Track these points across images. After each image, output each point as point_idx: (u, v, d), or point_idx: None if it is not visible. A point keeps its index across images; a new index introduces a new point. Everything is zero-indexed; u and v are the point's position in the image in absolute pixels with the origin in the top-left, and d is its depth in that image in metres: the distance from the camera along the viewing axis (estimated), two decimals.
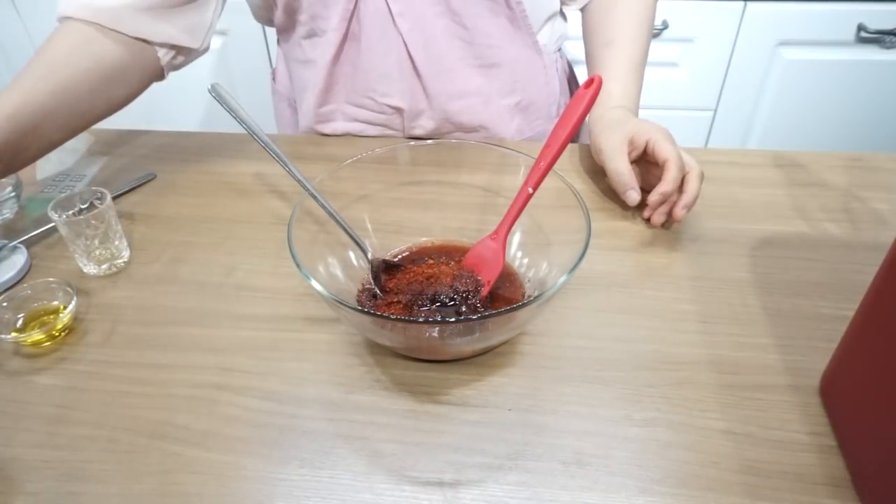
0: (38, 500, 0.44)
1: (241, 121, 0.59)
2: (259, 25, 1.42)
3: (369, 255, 0.56)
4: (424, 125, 0.82)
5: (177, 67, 0.76)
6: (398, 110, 0.81)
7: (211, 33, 0.76)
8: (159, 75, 0.74)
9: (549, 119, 0.88)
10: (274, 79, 0.94)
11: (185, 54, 0.75)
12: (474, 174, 0.63)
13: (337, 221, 0.55)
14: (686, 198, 0.63)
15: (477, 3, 0.74)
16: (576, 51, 0.91)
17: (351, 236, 0.56)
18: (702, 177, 0.65)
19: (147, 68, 0.71)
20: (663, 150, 0.64)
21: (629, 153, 0.67)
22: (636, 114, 0.77)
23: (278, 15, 0.79)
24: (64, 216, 0.61)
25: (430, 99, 0.79)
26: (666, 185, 0.62)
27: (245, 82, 1.53)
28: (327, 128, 0.84)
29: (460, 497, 0.43)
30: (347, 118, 0.83)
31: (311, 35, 0.78)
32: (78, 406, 0.50)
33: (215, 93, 0.60)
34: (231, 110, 0.59)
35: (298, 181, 0.56)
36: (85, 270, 0.63)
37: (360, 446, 0.47)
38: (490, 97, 0.81)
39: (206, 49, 0.77)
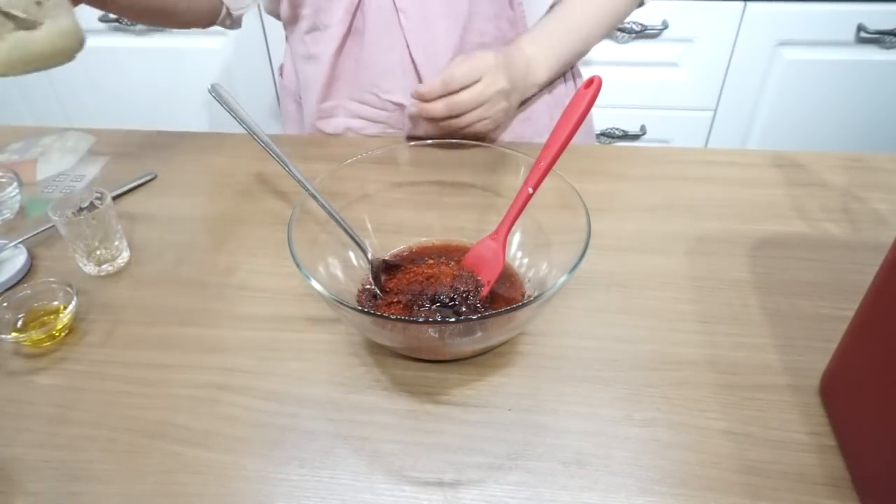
0: (39, 500, 0.44)
1: (241, 121, 0.59)
2: (259, 25, 1.42)
3: (369, 255, 0.56)
4: (425, 125, 0.82)
5: (222, 24, 0.85)
6: (400, 107, 0.81)
7: (247, 10, 0.85)
8: (210, 22, 0.83)
9: (552, 121, 0.87)
10: (281, 74, 0.94)
11: (229, 19, 0.85)
12: (474, 174, 0.63)
13: (337, 221, 0.55)
14: (422, 106, 0.69)
15: (482, 4, 0.74)
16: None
17: (351, 236, 0.56)
18: (451, 108, 0.68)
19: (214, 5, 0.82)
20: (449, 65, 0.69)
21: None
22: (541, 66, 0.76)
23: (283, 8, 0.79)
24: (64, 216, 0.61)
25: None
26: (420, 86, 0.69)
27: (245, 82, 1.53)
28: (329, 124, 0.84)
29: (460, 497, 0.43)
30: (349, 114, 0.83)
31: (313, 29, 0.79)
32: (78, 406, 0.50)
33: (215, 93, 0.60)
34: (231, 110, 0.59)
35: (298, 181, 0.56)
36: (85, 270, 0.63)
37: (360, 446, 0.47)
38: None
39: (239, 24, 0.87)
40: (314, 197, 0.55)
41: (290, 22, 0.82)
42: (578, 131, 0.90)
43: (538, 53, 0.75)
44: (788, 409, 0.48)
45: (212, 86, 0.61)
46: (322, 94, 0.82)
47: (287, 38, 0.87)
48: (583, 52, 0.80)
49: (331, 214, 0.55)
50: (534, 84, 0.77)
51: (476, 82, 0.68)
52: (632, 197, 0.71)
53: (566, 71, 0.83)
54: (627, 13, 0.82)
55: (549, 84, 0.81)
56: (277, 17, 0.86)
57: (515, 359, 0.53)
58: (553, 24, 0.77)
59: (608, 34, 0.82)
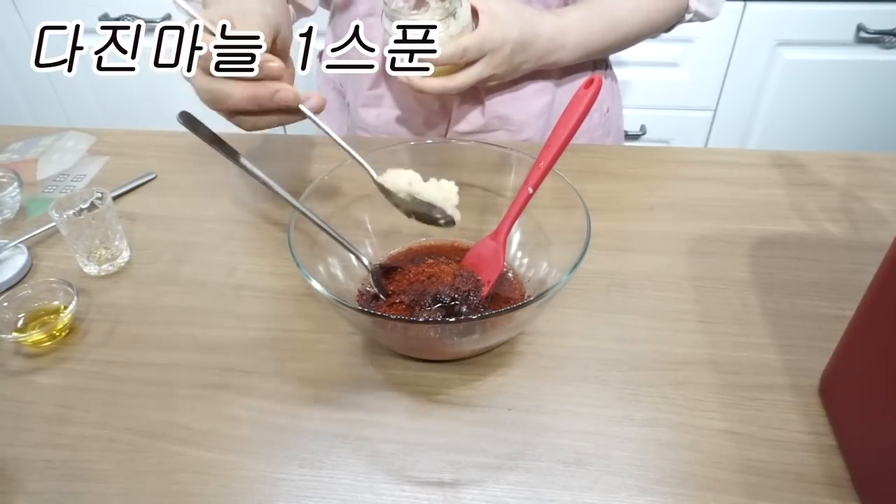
0: (39, 499, 0.44)
1: (215, 145, 0.57)
2: None
3: (367, 263, 0.56)
4: (472, 120, 0.80)
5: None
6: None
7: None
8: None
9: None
10: (320, 61, 0.93)
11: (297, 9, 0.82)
12: (474, 174, 0.63)
13: (331, 235, 0.53)
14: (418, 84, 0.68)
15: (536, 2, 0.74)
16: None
17: (346, 247, 0.54)
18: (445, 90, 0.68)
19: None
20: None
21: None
22: (567, 53, 0.75)
23: None
24: (64, 216, 0.61)
25: (484, 93, 0.78)
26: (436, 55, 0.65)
27: None
28: (373, 113, 0.83)
29: (460, 497, 0.43)
30: (394, 105, 0.82)
31: (370, 14, 0.77)
32: (79, 406, 0.50)
33: (183, 120, 0.58)
34: (204, 137, 0.57)
35: (287, 201, 0.53)
36: (85, 270, 0.63)
37: (360, 446, 0.47)
38: (543, 92, 0.80)
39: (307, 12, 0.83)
40: (305, 214, 0.52)
41: (342, 7, 0.80)
42: (608, 133, 0.90)
43: (568, 39, 0.74)
44: (788, 408, 0.48)
45: (180, 113, 0.58)
46: (372, 80, 0.81)
47: (332, 23, 0.86)
48: (611, 47, 0.79)
49: (322, 228, 0.53)
50: (554, 65, 0.76)
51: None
52: (632, 197, 0.71)
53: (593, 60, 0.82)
54: (667, 22, 0.81)
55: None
56: (325, 5, 0.85)
57: (515, 359, 0.53)
58: (594, 11, 0.76)
59: (643, 37, 0.81)
